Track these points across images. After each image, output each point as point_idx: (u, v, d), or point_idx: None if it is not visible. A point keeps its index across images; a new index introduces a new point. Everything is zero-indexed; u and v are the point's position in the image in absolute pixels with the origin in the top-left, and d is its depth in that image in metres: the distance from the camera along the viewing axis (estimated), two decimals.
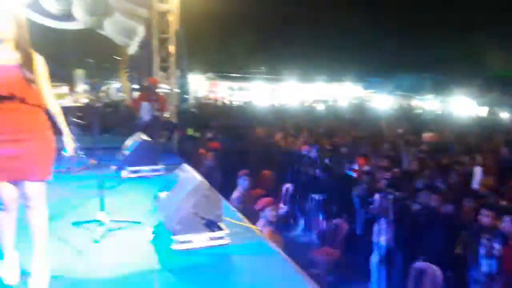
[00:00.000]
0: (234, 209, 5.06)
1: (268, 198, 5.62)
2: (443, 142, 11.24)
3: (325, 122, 15.46)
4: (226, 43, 30.86)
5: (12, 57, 2.84)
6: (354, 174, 7.66)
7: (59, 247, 3.65)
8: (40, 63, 2.96)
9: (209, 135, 10.76)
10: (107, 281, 3.19)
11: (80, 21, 8.49)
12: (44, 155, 2.93)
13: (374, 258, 5.25)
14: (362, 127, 14.30)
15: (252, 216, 5.07)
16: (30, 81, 2.85)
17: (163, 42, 9.54)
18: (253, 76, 34.24)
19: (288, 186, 7.26)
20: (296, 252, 4.50)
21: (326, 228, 6.21)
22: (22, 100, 2.82)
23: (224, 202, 4.43)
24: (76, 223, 4.26)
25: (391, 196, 5.21)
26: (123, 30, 8.88)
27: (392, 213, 5.14)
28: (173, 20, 9.41)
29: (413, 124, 16.15)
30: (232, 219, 4.47)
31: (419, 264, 4.62)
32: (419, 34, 30.33)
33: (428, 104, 30.82)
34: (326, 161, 8.16)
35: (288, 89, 34.46)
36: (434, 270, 4.45)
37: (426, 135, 11.73)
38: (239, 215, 4.82)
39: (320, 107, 27.01)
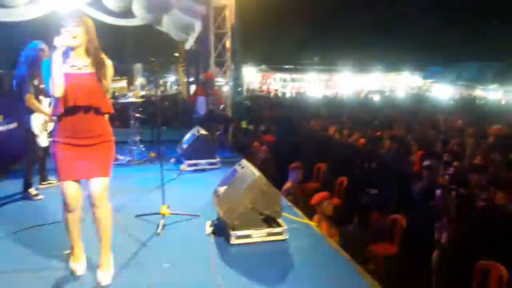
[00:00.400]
0: (291, 204, 5.06)
1: (324, 192, 5.57)
2: (511, 135, 10.58)
3: (381, 114, 15.04)
4: (279, 34, 30.69)
5: (85, 64, 2.96)
6: (413, 168, 7.42)
7: (122, 239, 3.81)
8: (110, 69, 3.06)
9: (262, 127, 10.80)
10: (167, 273, 3.31)
11: (139, 17, 8.74)
12: (108, 155, 3.10)
13: (435, 256, 5.09)
14: (421, 118, 13.77)
15: (304, 209, 5.06)
16: (106, 91, 3.01)
17: (220, 37, 9.68)
18: (306, 67, 33.83)
19: (343, 179, 7.16)
20: (353, 246, 4.44)
21: (383, 223, 6.07)
22: (97, 111, 2.99)
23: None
24: (138, 216, 4.44)
25: (453, 192, 5.01)
26: (180, 26, 9.05)
27: (455, 210, 4.94)
28: (229, 15, 9.52)
29: (475, 115, 15.36)
30: (289, 214, 4.49)
31: (484, 263, 4.42)
32: (482, 21, 28.69)
33: (491, 94, 29.20)
34: (383, 154, 7.96)
35: (342, 80, 33.82)
36: (500, 270, 4.24)
37: (493, 128, 11.08)
38: (296, 210, 4.82)
39: (376, 98, 26.30)
